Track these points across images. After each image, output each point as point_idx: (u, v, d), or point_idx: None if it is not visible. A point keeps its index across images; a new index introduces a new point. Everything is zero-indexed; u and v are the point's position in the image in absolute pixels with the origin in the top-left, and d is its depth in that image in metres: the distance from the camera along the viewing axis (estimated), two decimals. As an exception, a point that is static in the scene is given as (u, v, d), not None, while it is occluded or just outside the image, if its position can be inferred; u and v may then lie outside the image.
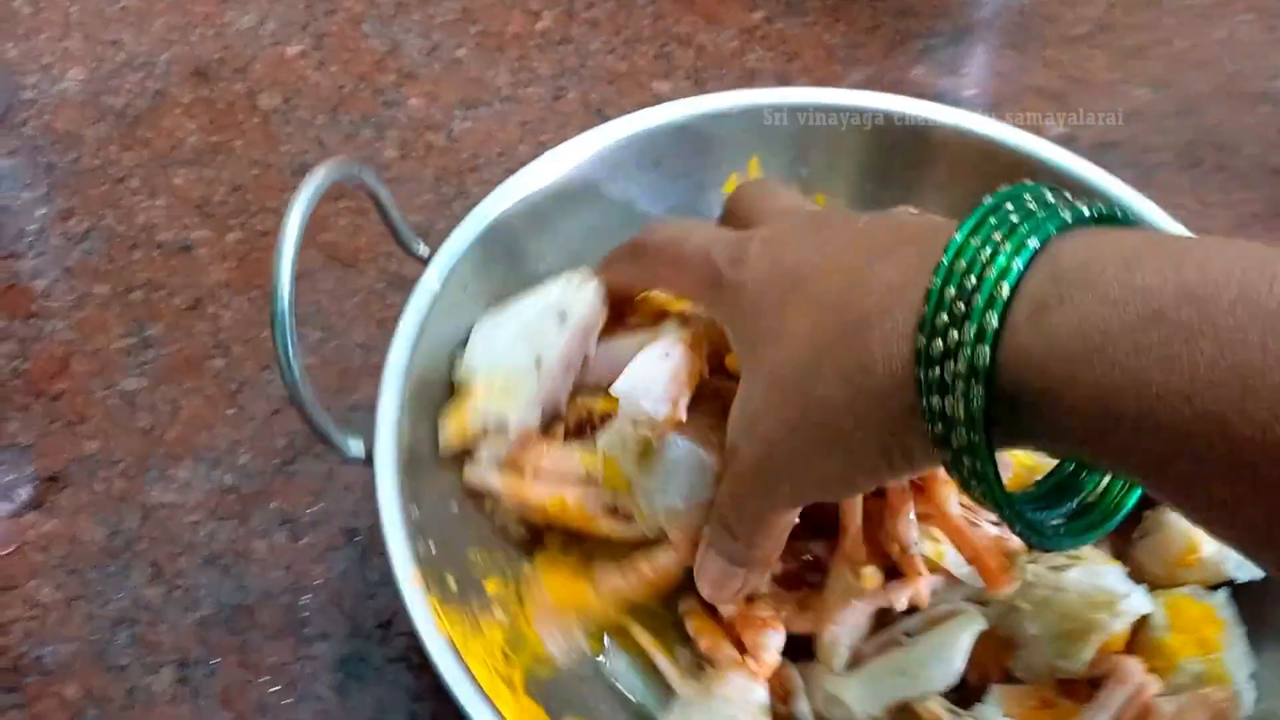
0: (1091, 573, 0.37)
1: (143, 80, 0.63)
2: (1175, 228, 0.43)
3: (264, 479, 0.48)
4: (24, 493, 0.47)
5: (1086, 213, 0.26)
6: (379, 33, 0.67)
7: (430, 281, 0.40)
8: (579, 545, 0.39)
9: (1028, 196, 0.26)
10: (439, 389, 0.40)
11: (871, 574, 0.36)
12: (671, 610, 0.39)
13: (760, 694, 0.36)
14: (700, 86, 0.64)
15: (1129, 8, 0.71)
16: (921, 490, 0.38)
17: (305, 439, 0.48)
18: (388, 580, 0.35)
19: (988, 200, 0.26)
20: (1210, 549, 0.39)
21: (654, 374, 0.36)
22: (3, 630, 0.43)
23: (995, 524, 0.38)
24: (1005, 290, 0.24)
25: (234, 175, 0.59)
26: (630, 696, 0.39)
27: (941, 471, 0.37)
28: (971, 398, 0.24)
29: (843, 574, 0.37)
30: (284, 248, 0.33)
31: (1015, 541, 0.38)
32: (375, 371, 0.39)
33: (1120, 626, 0.37)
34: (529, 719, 0.35)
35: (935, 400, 0.25)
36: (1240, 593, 0.39)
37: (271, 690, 0.42)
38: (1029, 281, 0.24)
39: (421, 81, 0.64)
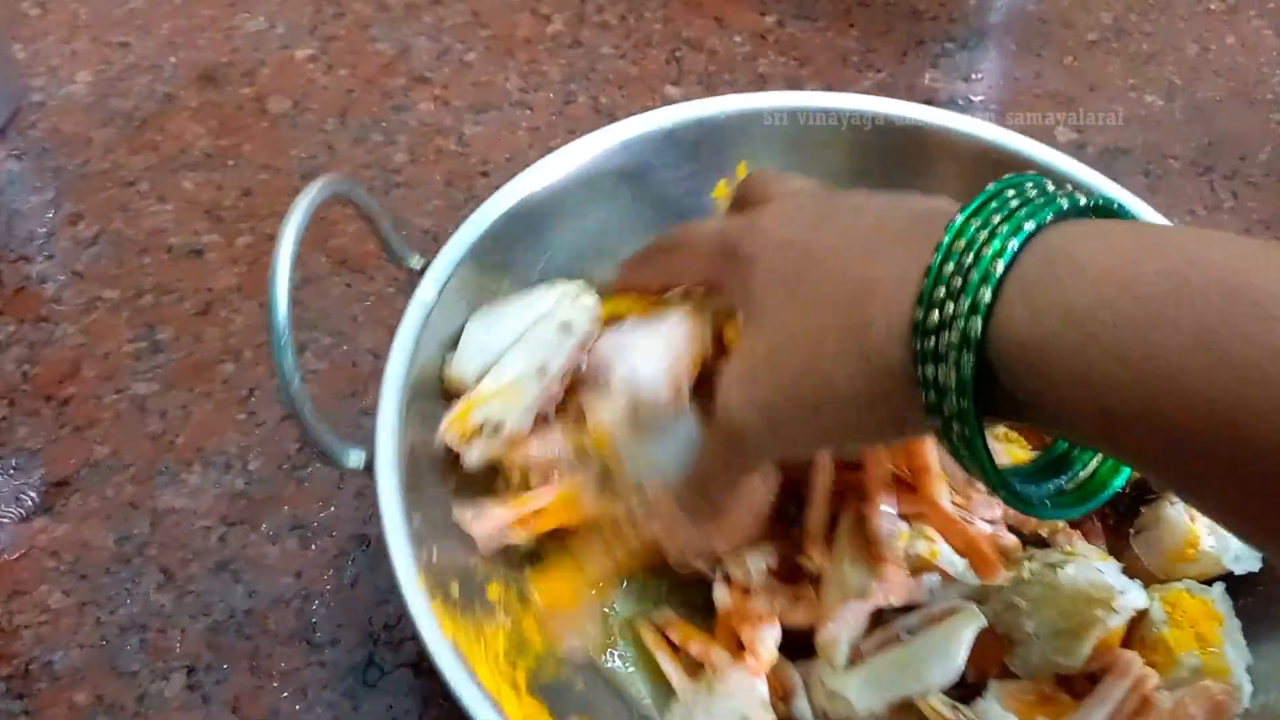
0: (1088, 569, 0.37)
1: (151, 83, 0.63)
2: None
3: (274, 484, 0.47)
4: (33, 498, 0.47)
5: (1084, 203, 0.28)
6: (388, 36, 0.67)
7: (426, 293, 0.40)
8: (570, 555, 0.40)
9: (1029, 185, 0.28)
10: (436, 399, 0.41)
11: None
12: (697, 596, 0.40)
13: (761, 689, 0.37)
14: (711, 91, 0.64)
15: (1142, 13, 0.71)
16: (913, 490, 0.38)
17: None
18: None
19: (991, 187, 0.28)
20: (1209, 541, 0.39)
21: (655, 358, 0.37)
22: (13, 636, 0.43)
23: (990, 523, 0.39)
24: (999, 268, 0.26)
25: (243, 179, 0.59)
26: (633, 696, 0.39)
27: (934, 465, 0.39)
28: (963, 365, 0.26)
29: (838, 567, 0.38)
30: (278, 266, 0.34)
31: (1010, 539, 0.39)
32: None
33: (1117, 622, 0.37)
34: (533, 720, 0.35)
35: (930, 369, 0.27)
36: (1235, 587, 0.39)
37: (283, 696, 0.42)
38: (1022, 262, 0.26)
39: (431, 85, 0.64)
